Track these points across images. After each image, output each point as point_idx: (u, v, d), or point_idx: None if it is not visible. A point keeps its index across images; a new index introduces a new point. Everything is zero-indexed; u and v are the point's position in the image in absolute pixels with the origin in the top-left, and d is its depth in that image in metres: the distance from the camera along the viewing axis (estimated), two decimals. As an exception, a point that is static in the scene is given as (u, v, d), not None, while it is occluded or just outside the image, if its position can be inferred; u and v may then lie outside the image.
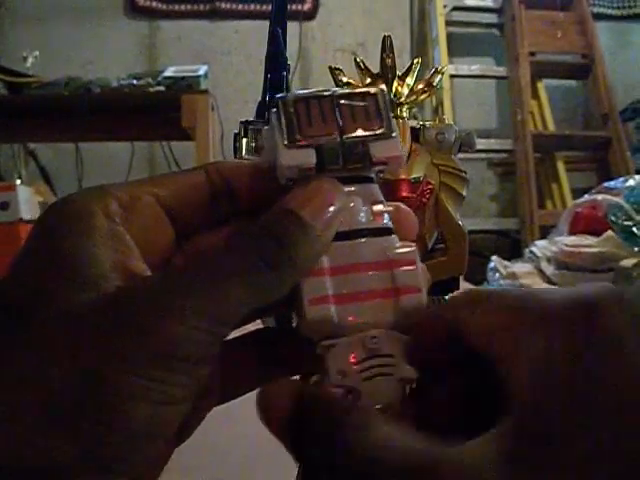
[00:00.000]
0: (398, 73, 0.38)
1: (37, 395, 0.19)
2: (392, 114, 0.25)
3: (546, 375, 0.20)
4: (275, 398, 0.22)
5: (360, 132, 0.24)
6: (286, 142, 0.24)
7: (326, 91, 0.25)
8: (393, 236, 0.24)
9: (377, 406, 0.23)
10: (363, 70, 0.38)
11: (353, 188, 0.24)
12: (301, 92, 0.24)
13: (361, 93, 0.25)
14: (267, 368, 0.27)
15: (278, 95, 0.25)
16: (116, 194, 0.23)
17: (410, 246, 0.24)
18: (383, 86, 0.25)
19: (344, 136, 0.24)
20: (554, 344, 0.20)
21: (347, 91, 0.25)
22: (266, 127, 0.25)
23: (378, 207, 0.25)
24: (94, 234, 0.22)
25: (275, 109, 0.24)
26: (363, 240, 0.24)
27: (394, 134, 0.24)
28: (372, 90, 0.25)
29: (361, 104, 0.25)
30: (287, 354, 0.27)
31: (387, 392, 0.23)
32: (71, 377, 0.19)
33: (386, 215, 0.25)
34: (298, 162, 0.23)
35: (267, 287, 0.22)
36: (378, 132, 0.24)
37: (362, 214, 0.24)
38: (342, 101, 0.24)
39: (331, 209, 0.23)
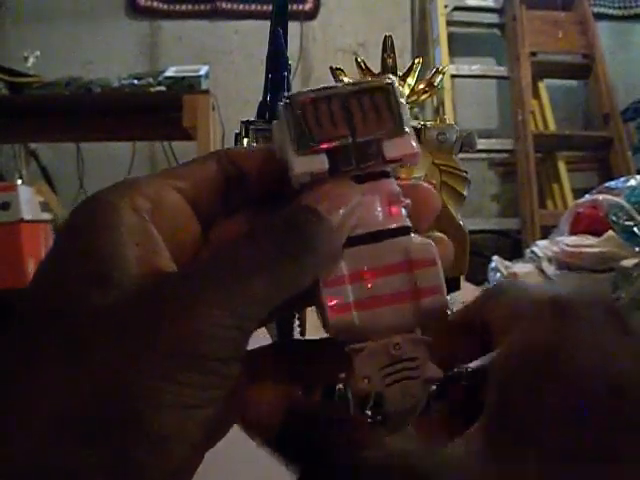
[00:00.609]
0: (399, 73, 0.38)
1: (65, 401, 0.19)
2: (404, 103, 0.24)
3: (515, 365, 0.22)
4: (263, 417, 0.23)
5: (372, 131, 0.23)
6: (297, 149, 0.23)
7: (334, 88, 0.24)
8: (412, 235, 0.24)
9: (402, 409, 0.24)
10: (364, 70, 0.38)
11: (368, 185, 0.24)
12: (309, 90, 0.24)
13: (370, 89, 0.24)
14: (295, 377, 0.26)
15: (286, 94, 0.24)
16: (142, 189, 0.23)
17: (429, 243, 0.24)
18: (393, 77, 0.25)
19: (356, 137, 0.23)
20: (525, 338, 0.22)
21: (356, 87, 0.24)
22: (276, 122, 0.25)
23: (394, 204, 0.24)
24: (121, 231, 0.21)
25: (283, 108, 0.24)
26: (381, 243, 0.24)
27: (407, 129, 0.24)
28: (382, 84, 0.24)
29: (371, 100, 0.24)
30: (311, 364, 0.26)
31: (412, 395, 0.24)
32: (97, 384, 0.19)
33: (403, 211, 0.24)
34: (310, 169, 0.23)
35: (290, 279, 0.22)
36: (390, 129, 0.23)
37: (379, 214, 0.24)
38: (351, 99, 0.24)
39: (346, 205, 0.23)
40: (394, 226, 0.24)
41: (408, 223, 0.24)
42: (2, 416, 0.19)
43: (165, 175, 0.24)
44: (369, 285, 0.23)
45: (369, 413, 0.24)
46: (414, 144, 0.24)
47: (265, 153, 0.26)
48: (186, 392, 0.19)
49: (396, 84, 0.24)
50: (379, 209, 0.24)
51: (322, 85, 0.24)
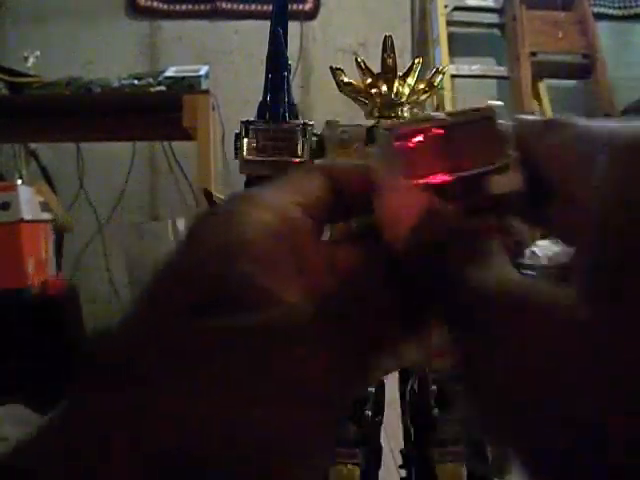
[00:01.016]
0: (399, 73, 0.38)
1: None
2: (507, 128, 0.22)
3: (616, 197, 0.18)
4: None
5: (477, 165, 0.22)
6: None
7: (430, 120, 0.23)
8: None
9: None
10: (364, 70, 0.38)
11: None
12: (411, 121, 0.22)
13: (472, 121, 0.23)
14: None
15: (381, 128, 0.23)
16: (268, 203, 0.22)
17: None
18: (497, 102, 0.23)
19: (458, 173, 0.22)
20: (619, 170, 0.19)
21: (456, 120, 0.23)
22: (377, 150, 0.23)
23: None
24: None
25: (385, 138, 0.22)
26: None
27: (512, 162, 0.22)
28: (485, 111, 0.23)
29: (475, 131, 0.22)
30: None
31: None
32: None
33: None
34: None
35: None
36: (497, 164, 0.22)
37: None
38: (455, 131, 0.22)
39: None
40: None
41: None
42: None
43: (284, 189, 0.23)
44: None
45: None
46: (520, 180, 0.22)
47: (363, 174, 0.24)
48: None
49: (500, 108, 0.23)
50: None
51: (423, 114, 0.23)
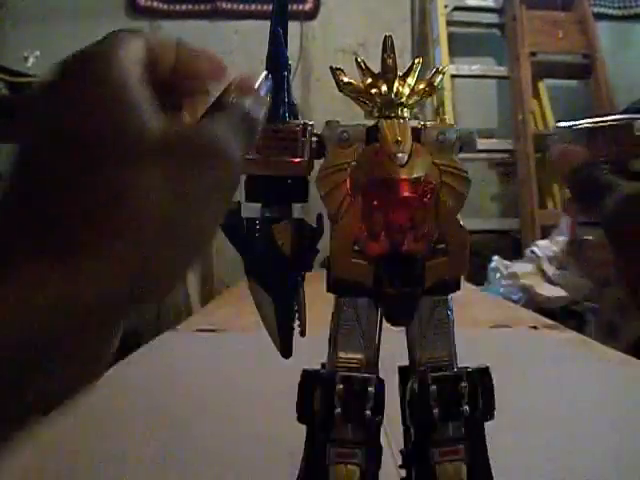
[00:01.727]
0: (399, 73, 0.38)
1: None
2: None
3: None
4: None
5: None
6: None
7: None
8: None
9: None
10: (364, 70, 0.38)
11: None
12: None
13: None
14: None
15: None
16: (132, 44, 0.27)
17: None
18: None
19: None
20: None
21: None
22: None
23: None
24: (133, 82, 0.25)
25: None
26: None
27: None
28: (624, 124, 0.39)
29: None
30: None
31: None
32: None
33: None
34: None
35: None
36: None
37: None
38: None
39: None
40: None
41: None
42: None
43: (139, 34, 0.28)
44: None
45: None
46: None
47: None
48: None
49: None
50: None
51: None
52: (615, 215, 0.35)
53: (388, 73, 0.37)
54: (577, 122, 0.42)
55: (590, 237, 0.42)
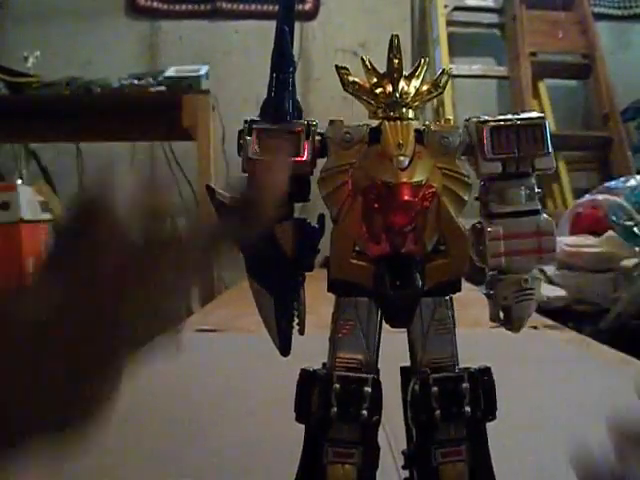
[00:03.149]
0: (405, 73, 0.37)
1: None
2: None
3: None
4: None
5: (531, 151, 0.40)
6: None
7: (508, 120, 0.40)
8: (543, 215, 0.40)
9: (522, 316, 0.41)
10: (370, 70, 0.38)
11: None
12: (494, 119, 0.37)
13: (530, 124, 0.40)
14: None
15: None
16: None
17: (551, 220, 0.40)
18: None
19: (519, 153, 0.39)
20: None
21: (525, 122, 0.40)
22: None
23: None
24: None
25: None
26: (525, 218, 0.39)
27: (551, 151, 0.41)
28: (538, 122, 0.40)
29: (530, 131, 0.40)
30: None
31: (529, 309, 0.41)
32: None
33: (537, 199, 0.40)
34: (490, 171, 0.40)
35: None
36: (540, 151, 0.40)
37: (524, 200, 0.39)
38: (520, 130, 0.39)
39: None
40: (532, 208, 0.40)
41: (539, 207, 0.40)
42: None
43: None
44: (514, 242, 0.39)
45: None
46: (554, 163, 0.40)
47: None
48: None
49: (547, 122, 0.40)
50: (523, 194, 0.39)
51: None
52: None
53: (394, 73, 0.37)
54: (486, 117, 0.39)
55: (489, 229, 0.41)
